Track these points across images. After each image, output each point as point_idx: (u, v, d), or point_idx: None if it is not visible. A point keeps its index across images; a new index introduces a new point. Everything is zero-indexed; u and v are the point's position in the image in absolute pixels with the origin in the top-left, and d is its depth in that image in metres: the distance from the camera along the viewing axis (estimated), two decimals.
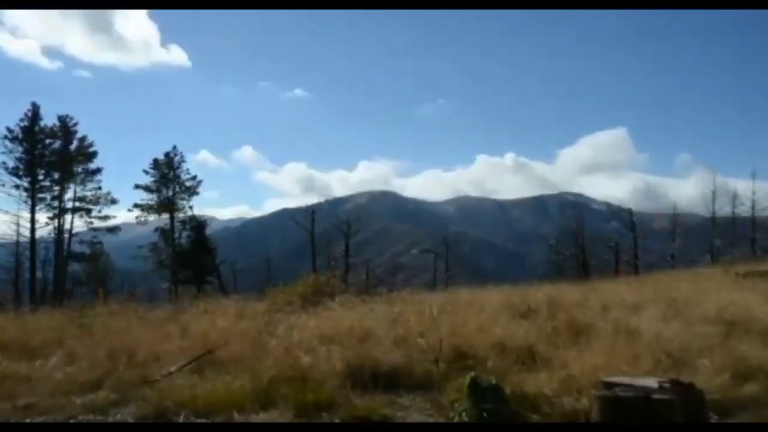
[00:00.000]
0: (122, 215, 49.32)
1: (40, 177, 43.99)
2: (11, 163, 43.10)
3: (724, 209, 44.44)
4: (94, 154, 46.13)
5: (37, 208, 43.45)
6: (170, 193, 47.22)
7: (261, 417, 5.40)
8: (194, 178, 48.01)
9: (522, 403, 5.30)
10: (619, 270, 41.85)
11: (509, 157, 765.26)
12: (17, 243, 42.42)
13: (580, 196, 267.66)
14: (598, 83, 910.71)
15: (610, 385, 4.66)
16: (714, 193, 44.31)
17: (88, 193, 45.74)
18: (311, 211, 47.29)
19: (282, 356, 6.87)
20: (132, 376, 6.65)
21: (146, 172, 47.44)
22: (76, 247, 45.48)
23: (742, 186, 45.19)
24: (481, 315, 9.63)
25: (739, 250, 42.43)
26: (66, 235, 44.48)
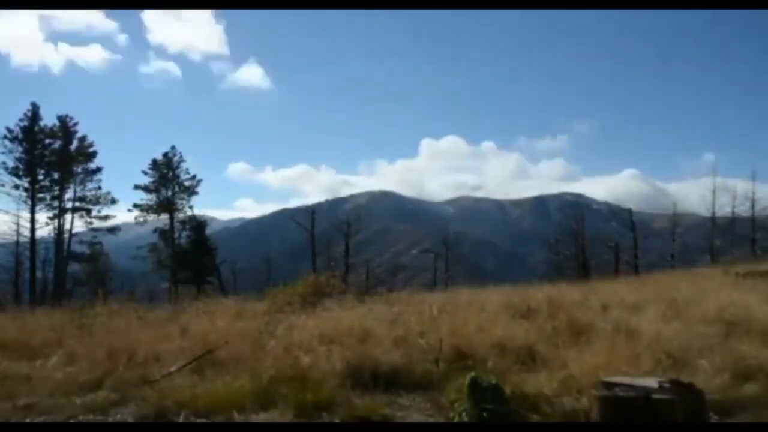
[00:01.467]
0: (122, 215, 49.43)
1: (40, 177, 44.02)
2: (11, 163, 43.23)
3: (724, 209, 44.44)
4: (93, 154, 46.24)
5: (37, 208, 43.52)
6: (169, 193, 47.25)
7: (261, 417, 5.40)
8: (193, 177, 48.09)
9: (522, 403, 5.30)
10: (619, 270, 41.80)
11: (452, 140, 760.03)
12: (17, 243, 42.45)
13: (580, 196, 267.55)
14: (595, 81, 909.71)
15: (610, 385, 4.66)
16: (714, 193, 44.31)
17: (88, 193, 45.84)
18: (311, 211, 47.31)
19: (282, 356, 6.87)
20: (132, 376, 6.65)
21: (145, 173, 47.52)
22: (76, 247, 45.51)
23: (742, 186, 45.17)
24: (481, 315, 9.63)
25: (739, 250, 42.36)
26: (66, 235, 44.52)
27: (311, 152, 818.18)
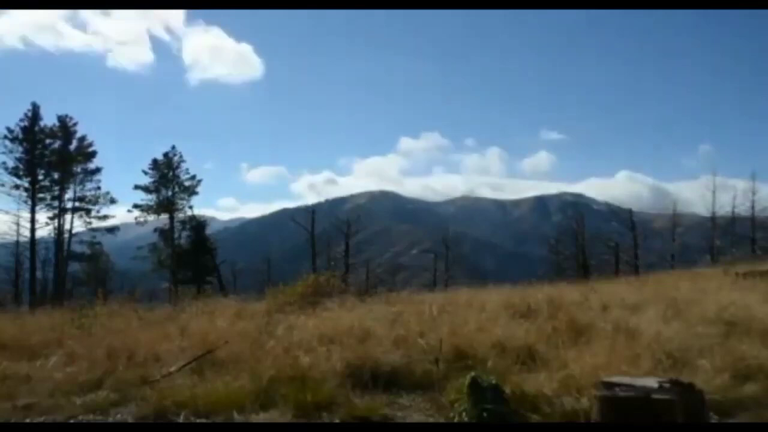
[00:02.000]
0: (122, 215, 49.42)
1: (40, 177, 44.02)
2: (11, 163, 43.21)
3: (724, 209, 44.47)
4: (93, 154, 46.24)
5: (37, 208, 43.52)
6: (169, 193, 47.26)
7: (261, 417, 5.40)
8: (193, 177, 48.07)
9: (522, 403, 5.30)
10: (619, 270, 41.85)
11: (431, 137, 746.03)
12: (17, 243, 42.47)
13: (580, 196, 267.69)
14: (590, 80, 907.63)
15: (610, 385, 4.65)
16: (714, 193, 44.33)
17: (88, 193, 45.83)
18: (311, 211, 47.33)
19: (282, 356, 6.87)
20: (132, 376, 6.66)
21: (145, 173, 47.52)
22: (76, 247, 45.51)
23: (742, 185, 45.23)
24: (481, 315, 9.62)
25: (739, 250, 42.35)
26: (66, 235, 44.52)
27: (283, 150, 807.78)
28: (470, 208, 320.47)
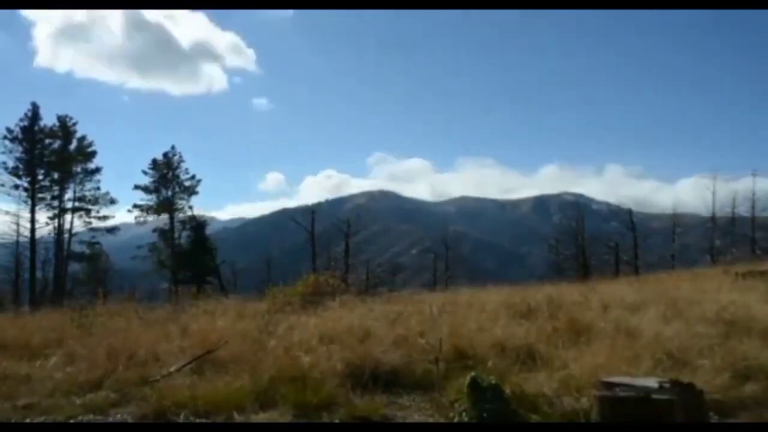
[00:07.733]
0: (122, 215, 49.47)
1: (40, 177, 44.03)
2: (11, 163, 43.25)
3: (724, 209, 44.52)
4: (93, 154, 46.25)
5: (37, 208, 43.52)
6: (169, 193, 47.28)
7: (261, 417, 5.40)
8: (193, 177, 48.11)
9: (522, 403, 5.30)
10: (619, 270, 41.90)
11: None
12: (17, 243, 42.49)
13: (580, 196, 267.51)
14: (589, 79, 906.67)
15: (610, 385, 4.66)
16: (714, 193, 44.38)
17: (88, 193, 45.84)
18: (311, 211, 47.37)
19: (282, 356, 6.87)
20: (132, 376, 6.66)
21: (145, 173, 47.56)
22: (76, 247, 45.51)
23: (742, 186, 45.28)
24: (481, 315, 9.62)
25: (739, 250, 42.38)
26: (66, 235, 44.53)
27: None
28: (470, 208, 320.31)
